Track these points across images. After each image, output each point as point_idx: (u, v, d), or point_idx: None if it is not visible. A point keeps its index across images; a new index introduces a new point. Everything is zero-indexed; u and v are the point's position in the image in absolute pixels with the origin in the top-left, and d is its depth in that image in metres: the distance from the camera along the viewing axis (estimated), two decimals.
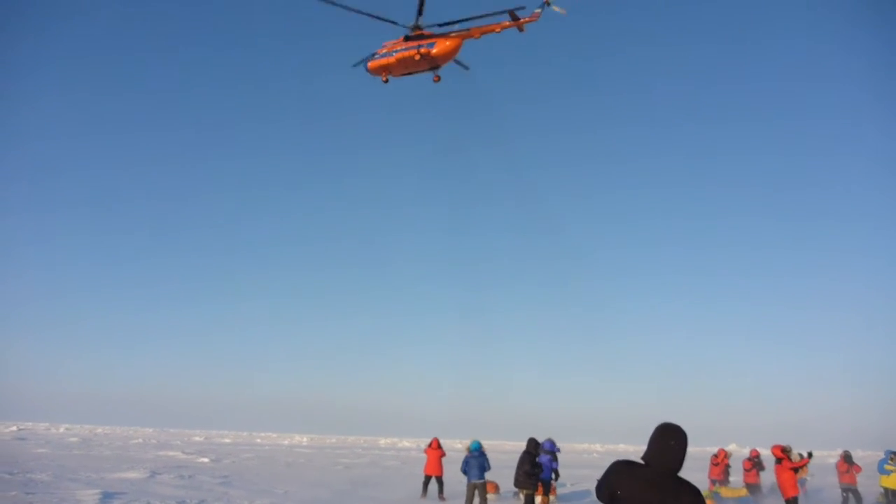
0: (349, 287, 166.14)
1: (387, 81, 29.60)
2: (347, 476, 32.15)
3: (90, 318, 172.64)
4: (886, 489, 21.27)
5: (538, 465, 17.64)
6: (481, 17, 27.00)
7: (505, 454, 22.27)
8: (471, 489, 18.45)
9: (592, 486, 6.07)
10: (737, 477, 26.46)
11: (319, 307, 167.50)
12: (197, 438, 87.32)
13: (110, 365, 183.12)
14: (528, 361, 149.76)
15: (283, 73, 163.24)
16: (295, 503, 20.67)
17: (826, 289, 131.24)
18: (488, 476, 19.07)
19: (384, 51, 29.08)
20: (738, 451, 43.70)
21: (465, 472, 18.66)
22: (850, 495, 22.25)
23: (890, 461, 21.12)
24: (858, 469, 22.35)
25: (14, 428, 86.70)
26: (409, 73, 29.23)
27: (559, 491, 23.90)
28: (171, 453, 45.84)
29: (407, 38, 28.39)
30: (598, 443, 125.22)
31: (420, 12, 27.76)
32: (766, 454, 25.14)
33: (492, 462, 19.51)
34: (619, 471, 5.03)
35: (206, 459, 39.85)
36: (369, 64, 29.47)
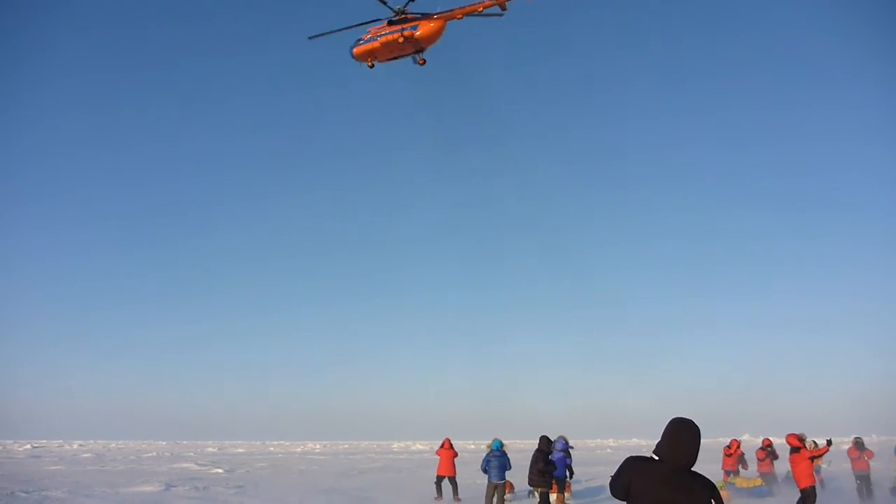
0: (356, 293, 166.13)
1: (372, 67, 29.74)
2: (362, 481, 32.17)
3: (98, 333, 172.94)
4: None
5: (551, 463, 17.64)
6: None
7: (518, 453, 22.26)
8: (491, 488, 18.45)
9: (607, 482, 6.11)
10: (751, 467, 26.41)
11: (327, 315, 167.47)
12: (210, 449, 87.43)
13: (121, 380, 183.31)
14: (539, 360, 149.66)
15: (281, 77, 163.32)
16: None
17: (836, 275, 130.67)
18: (508, 476, 19.10)
19: (368, 36, 29.23)
20: (752, 441, 43.60)
21: (485, 471, 18.63)
22: (863, 482, 22.18)
23: None
24: (870, 455, 22.29)
25: (28, 446, 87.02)
26: (395, 58, 29.34)
27: (574, 488, 23.89)
28: (184, 465, 45.89)
29: (391, 23, 28.53)
30: (610, 438, 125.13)
31: None
32: (780, 443, 25.12)
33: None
34: (634, 467, 5.06)
35: (220, 470, 39.91)
36: (354, 50, 29.61)
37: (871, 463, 22.30)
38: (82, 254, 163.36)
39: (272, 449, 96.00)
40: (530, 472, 17.51)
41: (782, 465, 24.14)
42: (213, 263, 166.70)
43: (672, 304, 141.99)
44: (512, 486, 22.72)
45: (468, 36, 29.61)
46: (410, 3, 27.92)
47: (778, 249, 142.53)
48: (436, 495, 22.29)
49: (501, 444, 18.89)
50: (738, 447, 25.80)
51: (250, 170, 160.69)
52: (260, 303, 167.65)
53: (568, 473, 19.97)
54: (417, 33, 27.96)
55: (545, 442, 17.88)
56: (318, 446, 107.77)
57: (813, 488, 16.55)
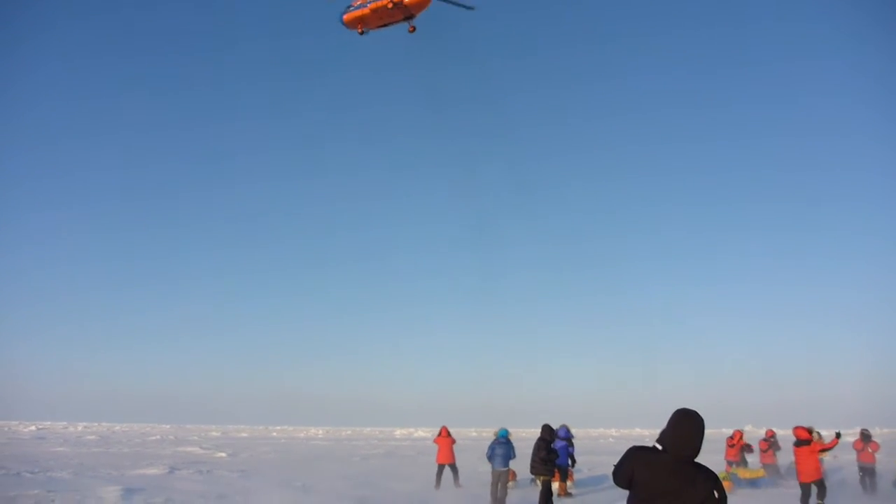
0: (360, 280, 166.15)
1: (362, 33, 29.85)
2: (365, 467, 32.35)
3: (102, 316, 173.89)
4: None
5: (553, 452, 17.65)
6: None
7: (520, 441, 22.31)
8: (494, 476, 18.54)
9: (609, 471, 6.09)
10: (754, 458, 26.41)
11: (330, 301, 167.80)
12: (214, 433, 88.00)
13: (125, 363, 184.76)
14: (541, 348, 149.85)
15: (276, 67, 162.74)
16: (314, 495, 20.78)
17: (843, 267, 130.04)
18: (511, 464, 19.18)
19: (358, 3, 29.31)
20: (754, 432, 43.62)
21: (490, 458, 18.71)
22: (867, 475, 22.11)
23: None
24: (875, 447, 22.22)
25: (33, 427, 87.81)
26: (385, 25, 29.41)
27: (576, 476, 23.96)
28: (188, 449, 46.24)
29: None
30: (612, 427, 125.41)
31: None
32: (783, 434, 25.08)
33: None
34: (637, 457, 5.04)
35: (223, 454, 40.21)
36: (344, 17, 29.75)
37: (877, 455, 22.23)
38: (86, 237, 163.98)
39: (275, 434, 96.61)
40: (532, 461, 17.52)
41: (785, 457, 24.14)
42: (217, 249, 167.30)
43: (675, 293, 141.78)
44: (514, 475, 22.79)
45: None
46: None
47: (784, 240, 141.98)
48: (436, 484, 22.35)
49: (507, 433, 18.95)
50: (741, 438, 25.79)
51: (255, 155, 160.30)
52: (263, 288, 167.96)
53: (570, 462, 20.01)
54: (406, 0, 27.95)
55: (547, 430, 17.89)
56: (321, 432, 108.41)
57: (822, 482, 16.51)
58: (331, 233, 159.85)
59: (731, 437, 25.89)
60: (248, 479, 25.09)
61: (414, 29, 28.87)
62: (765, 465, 24.99)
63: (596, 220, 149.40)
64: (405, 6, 28.04)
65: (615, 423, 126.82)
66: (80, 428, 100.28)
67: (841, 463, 26.86)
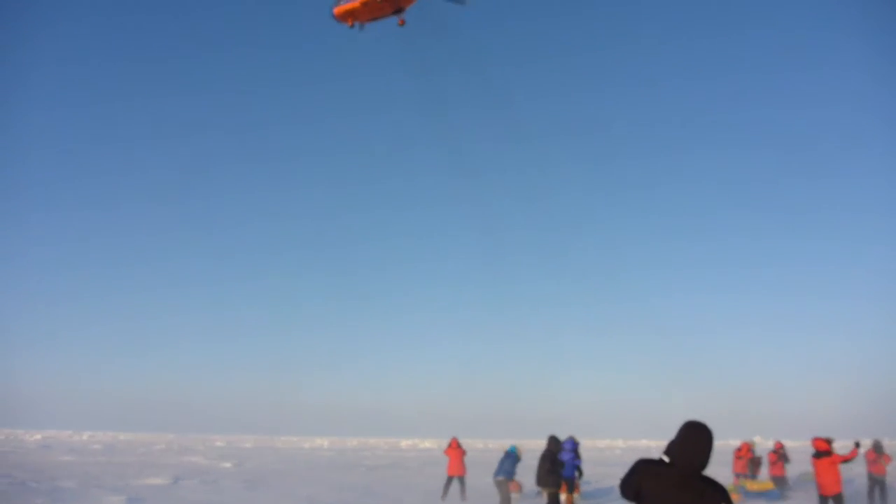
0: (364, 289, 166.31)
1: (352, 27, 29.90)
2: (370, 478, 32.19)
3: (108, 325, 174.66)
4: None
5: (559, 463, 17.55)
6: None
7: (526, 453, 22.19)
8: (495, 485, 18.84)
9: (616, 483, 6.02)
10: (762, 470, 26.17)
11: (335, 310, 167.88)
12: (218, 443, 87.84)
13: (130, 371, 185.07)
14: (547, 358, 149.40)
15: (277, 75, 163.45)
16: None
17: (855, 277, 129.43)
18: (517, 476, 19.31)
19: None
20: (763, 444, 43.26)
21: (495, 472, 19.12)
22: (877, 486, 21.84)
23: None
24: (888, 459, 21.94)
25: (39, 436, 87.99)
26: (375, 18, 29.48)
27: (583, 488, 23.79)
28: (193, 459, 46.15)
29: None
30: (619, 438, 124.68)
31: None
32: (792, 446, 24.84)
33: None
34: (644, 470, 4.98)
35: (228, 464, 40.09)
36: (335, 10, 29.78)
37: (888, 467, 21.97)
38: (90, 244, 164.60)
39: (280, 444, 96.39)
40: (538, 473, 17.43)
41: (794, 469, 23.92)
42: (223, 257, 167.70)
43: (682, 303, 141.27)
44: (519, 486, 22.65)
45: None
46: None
47: (794, 250, 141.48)
48: (442, 495, 22.22)
49: (514, 450, 19.37)
50: (749, 450, 25.57)
51: (264, 164, 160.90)
52: (270, 297, 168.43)
53: (577, 474, 19.86)
54: None
55: (553, 442, 17.80)
56: (325, 442, 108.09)
57: (840, 496, 16.29)
58: (337, 243, 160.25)
59: (739, 449, 25.66)
60: (253, 489, 24.99)
61: (403, 22, 28.98)
62: (773, 478, 24.74)
63: (606, 229, 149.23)
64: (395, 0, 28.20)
65: (622, 434, 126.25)
66: (85, 437, 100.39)
67: (851, 474, 26.54)
